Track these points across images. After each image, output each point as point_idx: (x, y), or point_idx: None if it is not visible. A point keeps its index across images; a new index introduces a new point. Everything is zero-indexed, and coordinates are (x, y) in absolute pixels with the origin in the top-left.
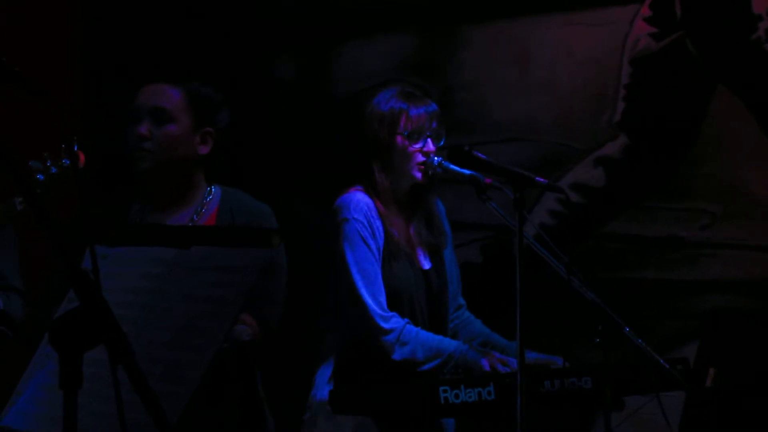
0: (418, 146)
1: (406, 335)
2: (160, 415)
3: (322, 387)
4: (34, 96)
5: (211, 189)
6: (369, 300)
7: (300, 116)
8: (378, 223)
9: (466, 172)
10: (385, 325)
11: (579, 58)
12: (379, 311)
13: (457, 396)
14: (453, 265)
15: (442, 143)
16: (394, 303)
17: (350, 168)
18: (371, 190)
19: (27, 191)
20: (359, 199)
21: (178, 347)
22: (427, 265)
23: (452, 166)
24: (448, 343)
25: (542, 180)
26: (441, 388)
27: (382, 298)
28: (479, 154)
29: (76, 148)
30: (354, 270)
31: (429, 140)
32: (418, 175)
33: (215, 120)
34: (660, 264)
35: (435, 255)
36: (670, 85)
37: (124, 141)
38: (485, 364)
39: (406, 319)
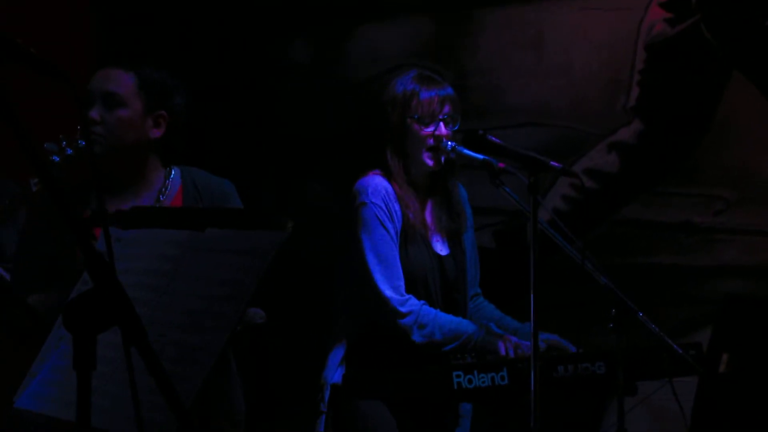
0: (429, 130)
1: (424, 317)
2: (173, 397)
3: (334, 369)
4: (48, 76)
5: (170, 170)
6: (385, 284)
7: (314, 100)
8: (396, 207)
9: (480, 156)
10: (402, 309)
11: (594, 43)
12: (396, 295)
13: (470, 381)
14: (473, 252)
15: (456, 127)
16: (410, 287)
17: (367, 152)
18: (388, 174)
19: (43, 173)
20: (377, 182)
21: (192, 329)
22: (444, 251)
23: (466, 151)
24: (467, 325)
25: (556, 164)
26: (454, 373)
27: (400, 282)
28: (493, 138)
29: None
30: (371, 254)
31: (441, 124)
32: (429, 161)
33: (168, 104)
34: (674, 249)
35: (454, 241)
36: (685, 71)
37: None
38: (501, 347)
39: (423, 301)
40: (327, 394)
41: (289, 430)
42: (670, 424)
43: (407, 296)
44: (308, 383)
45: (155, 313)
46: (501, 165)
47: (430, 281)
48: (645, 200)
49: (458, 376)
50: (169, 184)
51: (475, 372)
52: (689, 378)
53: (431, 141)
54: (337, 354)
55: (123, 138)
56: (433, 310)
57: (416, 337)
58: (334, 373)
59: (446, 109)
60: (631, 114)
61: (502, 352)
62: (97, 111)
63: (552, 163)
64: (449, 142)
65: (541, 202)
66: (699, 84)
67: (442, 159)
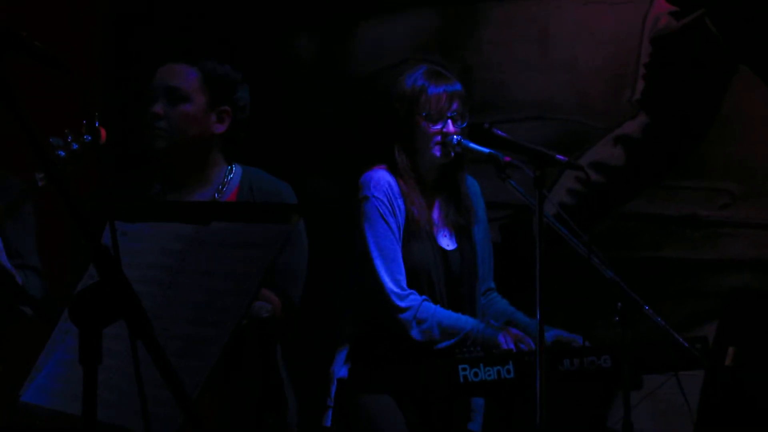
0: (437, 127)
1: (422, 313)
2: (179, 390)
3: (341, 364)
4: (54, 69)
5: (231, 167)
6: (386, 278)
7: (319, 95)
8: (400, 202)
9: (485, 150)
10: (401, 303)
11: (599, 37)
12: (396, 289)
13: (476, 374)
14: (485, 247)
15: (464, 125)
16: (413, 283)
17: (373, 147)
18: (394, 169)
19: (48, 168)
20: (380, 176)
21: (198, 323)
22: (451, 245)
23: (471, 144)
24: (465, 321)
25: (562, 158)
26: (460, 367)
27: (401, 277)
28: (499, 132)
29: (97, 125)
30: (372, 248)
31: (449, 121)
32: (438, 154)
33: (232, 98)
34: (679, 243)
35: (462, 236)
36: (690, 64)
37: (141, 121)
38: (502, 340)
39: (424, 297)
40: (333, 388)
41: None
42: (675, 418)
43: (408, 291)
44: (314, 377)
45: (161, 306)
46: (507, 158)
47: (433, 276)
48: (650, 194)
49: (464, 370)
50: (228, 182)
51: (481, 365)
52: (695, 372)
53: (439, 138)
54: (344, 350)
55: (186, 133)
56: (432, 306)
57: (414, 333)
58: (341, 368)
59: (455, 106)
60: (636, 107)
61: (503, 345)
62: (160, 106)
63: (558, 156)
64: (455, 136)
65: (546, 196)
66: (704, 77)
67: (452, 153)
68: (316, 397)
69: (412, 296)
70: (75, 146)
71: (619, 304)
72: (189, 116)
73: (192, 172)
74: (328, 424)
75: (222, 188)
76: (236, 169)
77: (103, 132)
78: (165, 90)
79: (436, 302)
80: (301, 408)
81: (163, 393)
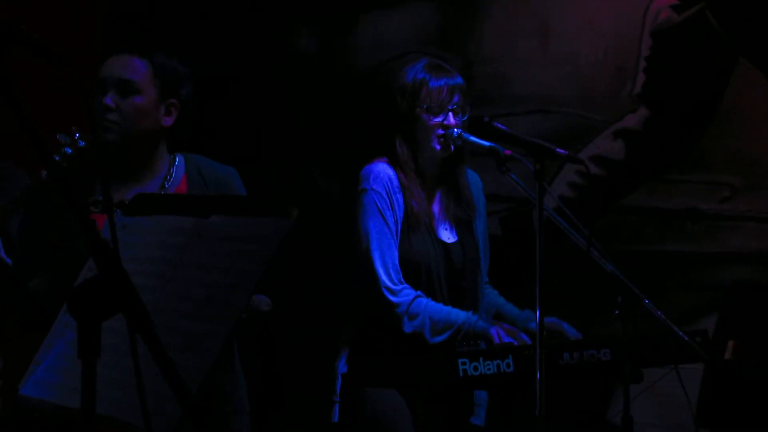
0: (438, 120)
1: (414, 308)
2: (178, 384)
3: (344, 358)
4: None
5: (174, 157)
6: (381, 272)
7: (320, 88)
8: (399, 196)
9: (486, 143)
10: (394, 299)
11: (600, 31)
12: (389, 284)
13: (476, 368)
14: (482, 240)
15: (465, 117)
16: (412, 276)
17: (374, 140)
18: (394, 162)
19: (49, 165)
20: (380, 169)
21: (197, 317)
22: (451, 238)
23: (472, 138)
24: (457, 315)
25: (562, 151)
26: (460, 361)
27: (395, 271)
28: (499, 125)
29: None
30: (368, 241)
31: (450, 114)
32: (438, 147)
33: (179, 92)
34: (680, 236)
35: (463, 229)
36: (691, 58)
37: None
38: (494, 334)
39: (418, 292)
40: (338, 383)
41: (302, 420)
42: (675, 411)
43: (402, 286)
44: (321, 372)
45: (160, 300)
46: (507, 152)
47: (433, 270)
48: (651, 187)
49: (464, 364)
50: (173, 172)
51: (481, 359)
52: (695, 365)
53: (440, 131)
54: (348, 344)
55: (137, 126)
56: (425, 301)
57: (407, 327)
58: (345, 364)
59: (455, 98)
60: (637, 101)
61: (495, 339)
62: (111, 98)
63: (558, 150)
64: (456, 129)
65: (547, 189)
66: (705, 71)
67: (452, 147)
68: (321, 392)
69: (405, 291)
70: (82, 143)
71: (619, 297)
72: (141, 109)
73: (138, 164)
74: (336, 420)
75: (169, 177)
76: (179, 158)
77: None
78: (116, 82)
79: (436, 296)
80: (305, 404)
81: (162, 387)
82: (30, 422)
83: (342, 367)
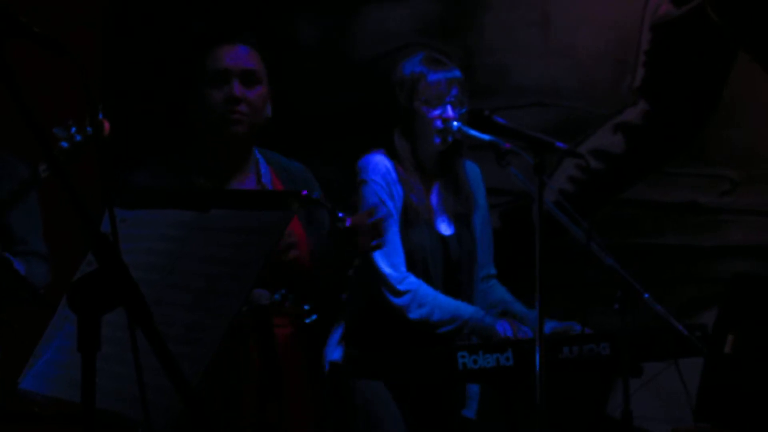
0: (436, 113)
1: (422, 297)
2: (179, 377)
3: (333, 346)
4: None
5: (254, 151)
6: (383, 262)
7: (320, 79)
8: (398, 187)
9: (486, 137)
10: (400, 287)
11: (600, 23)
12: (394, 273)
13: (475, 362)
14: (485, 232)
15: (464, 110)
16: (410, 267)
17: (374, 132)
18: (393, 155)
19: (51, 160)
20: (378, 161)
21: (197, 310)
22: (449, 231)
23: (471, 131)
24: (465, 308)
25: (562, 145)
26: (459, 354)
27: (399, 260)
28: (499, 119)
29: (101, 116)
30: None
31: (449, 107)
32: (437, 140)
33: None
34: (679, 230)
35: (461, 221)
36: (691, 51)
37: (203, 105)
38: (500, 330)
39: (420, 280)
40: (326, 370)
41: None
42: (675, 405)
43: (406, 274)
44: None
45: (160, 293)
46: (507, 145)
47: (430, 262)
48: (651, 181)
49: (463, 357)
50: (261, 167)
51: (480, 352)
52: (695, 359)
53: (439, 123)
54: (337, 332)
55: (261, 117)
56: (432, 290)
57: (413, 315)
58: (334, 350)
59: (454, 91)
60: (636, 94)
61: (501, 333)
62: (238, 88)
63: (558, 144)
64: (455, 123)
65: (547, 183)
66: (705, 64)
67: (450, 139)
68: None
69: (408, 279)
70: (78, 138)
71: (619, 291)
72: (264, 99)
73: (240, 160)
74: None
75: (261, 172)
76: (257, 152)
77: (106, 124)
78: (241, 72)
79: (432, 287)
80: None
81: (162, 380)
82: (30, 416)
83: (330, 353)
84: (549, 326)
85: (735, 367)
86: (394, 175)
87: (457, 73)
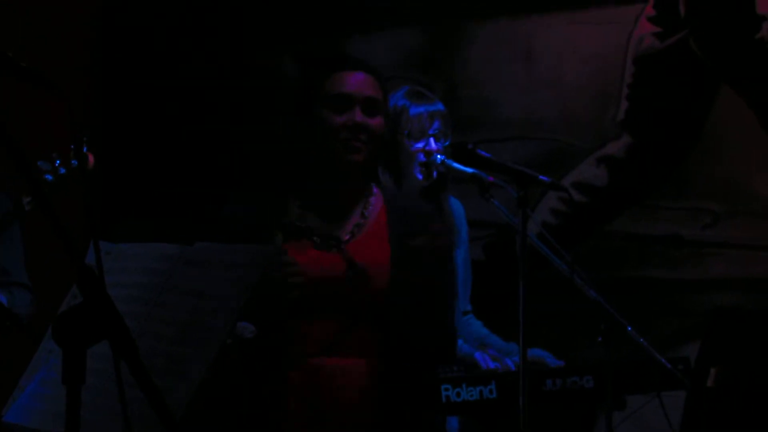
0: (419, 145)
1: None
2: (163, 410)
3: None
4: (43, 89)
5: (371, 185)
6: None
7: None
8: None
9: (469, 170)
10: None
11: (583, 57)
12: None
13: (458, 394)
14: (466, 268)
15: (447, 143)
16: None
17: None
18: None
19: (36, 193)
20: None
21: (181, 343)
22: None
23: (455, 164)
24: None
25: (545, 178)
26: (443, 386)
27: None
28: (482, 152)
29: (85, 150)
30: None
31: (431, 140)
32: (420, 175)
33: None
34: (662, 263)
35: None
36: (674, 85)
37: (322, 128)
38: (479, 358)
39: None
40: None
41: None
42: None
43: None
44: None
45: (145, 326)
46: (490, 178)
47: None
48: (634, 214)
49: (446, 389)
50: (372, 199)
51: (464, 385)
52: (678, 392)
53: (422, 156)
54: None
55: (377, 147)
56: None
57: None
58: None
59: (436, 124)
60: (620, 127)
61: (482, 363)
62: (360, 116)
63: (541, 177)
64: (439, 156)
65: (530, 216)
66: (688, 98)
67: (434, 173)
68: None
69: None
70: (62, 171)
71: (602, 324)
72: (383, 130)
73: (348, 190)
74: None
75: (366, 207)
76: (374, 187)
77: (90, 157)
78: (364, 100)
79: None
80: None
81: (147, 412)
82: None
83: None
84: (533, 352)
85: (718, 400)
86: None
87: (440, 106)
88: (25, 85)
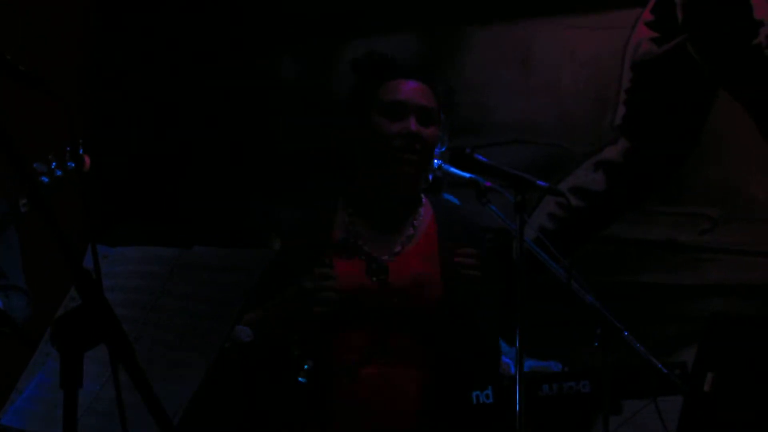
0: None
1: None
2: (161, 414)
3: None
4: (39, 91)
5: (420, 195)
6: None
7: (303, 115)
8: None
9: (466, 175)
10: None
11: (581, 62)
12: None
13: None
14: None
15: (444, 148)
16: None
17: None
18: None
19: (33, 194)
20: None
21: (179, 347)
22: None
23: (452, 169)
24: None
25: (543, 183)
26: None
27: None
28: (480, 157)
29: (81, 151)
30: None
31: None
32: None
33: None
34: (659, 268)
35: None
36: (671, 90)
37: (375, 134)
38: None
39: None
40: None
41: None
42: None
43: None
44: None
45: (142, 330)
46: (487, 183)
47: None
48: (631, 219)
49: None
50: (421, 211)
51: None
52: (674, 397)
53: None
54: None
55: (431, 158)
56: None
57: None
58: None
59: None
60: (617, 132)
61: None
62: (414, 124)
63: (539, 182)
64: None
65: (527, 221)
66: (685, 103)
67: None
68: None
69: None
70: (59, 173)
71: (599, 329)
72: (436, 141)
73: (407, 203)
74: None
75: (418, 216)
76: (424, 198)
77: (87, 159)
78: (419, 109)
79: None
80: None
81: (144, 417)
82: None
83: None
84: (527, 365)
85: (714, 405)
86: None
87: None
88: (21, 86)
